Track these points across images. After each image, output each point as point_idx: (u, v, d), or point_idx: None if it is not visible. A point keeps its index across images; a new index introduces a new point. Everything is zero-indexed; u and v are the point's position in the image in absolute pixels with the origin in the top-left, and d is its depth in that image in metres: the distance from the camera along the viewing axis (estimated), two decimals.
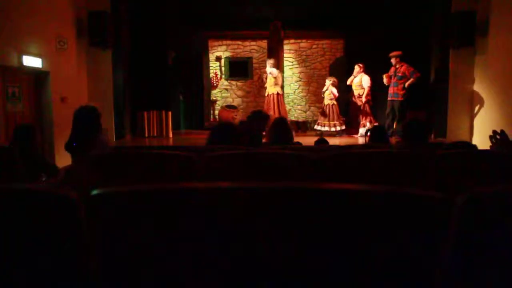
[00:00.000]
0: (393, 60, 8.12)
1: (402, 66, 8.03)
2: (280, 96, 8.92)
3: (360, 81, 8.73)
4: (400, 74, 8.04)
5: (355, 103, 8.87)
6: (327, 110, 8.92)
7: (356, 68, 8.82)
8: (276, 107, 8.81)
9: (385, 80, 8.24)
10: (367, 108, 8.70)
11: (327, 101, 9.00)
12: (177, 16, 9.45)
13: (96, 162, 2.26)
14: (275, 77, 8.79)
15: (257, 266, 0.88)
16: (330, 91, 8.94)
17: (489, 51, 7.05)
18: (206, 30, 10.49)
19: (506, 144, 2.56)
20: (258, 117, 4.77)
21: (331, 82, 9.01)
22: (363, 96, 8.63)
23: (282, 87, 9.50)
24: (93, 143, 3.61)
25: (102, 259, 0.92)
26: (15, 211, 0.97)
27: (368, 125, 8.57)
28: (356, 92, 8.84)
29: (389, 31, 8.93)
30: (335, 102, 9.02)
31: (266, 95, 9.05)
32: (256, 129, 4.56)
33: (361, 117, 8.73)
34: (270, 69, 8.83)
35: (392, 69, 8.18)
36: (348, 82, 9.02)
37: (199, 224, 0.87)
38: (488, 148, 3.50)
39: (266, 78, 9.05)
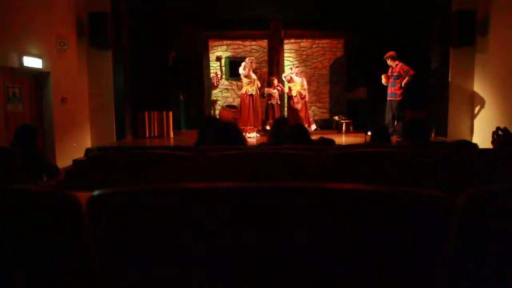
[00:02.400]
0: (388, 61, 8.15)
1: (397, 65, 8.03)
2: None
3: (302, 82, 8.91)
4: (396, 74, 8.04)
5: (297, 103, 8.87)
6: (271, 110, 8.98)
7: (299, 69, 9.11)
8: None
9: (383, 80, 8.27)
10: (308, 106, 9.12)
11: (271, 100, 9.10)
12: (178, 16, 9.44)
13: (97, 162, 2.26)
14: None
15: (258, 266, 0.88)
16: (276, 90, 9.06)
17: (489, 50, 7.04)
18: (207, 30, 10.49)
19: (509, 141, 2.55)
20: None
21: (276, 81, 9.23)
22: (306, 96, 8.98)
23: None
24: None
25: (103, 258, 0.92)
26: (17, 212, 0.97)
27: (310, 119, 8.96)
28: (297, 93, 8.96)
29: (389, 30, 8.93)
30: (278, 102, 9.12)
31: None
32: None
33: (309, 114, 8.99)
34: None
35: (390, 70, 8.20)
36: (288, 78, 9.04)
37: (199, 223, 0.87)
38: (488, 147, 3.50)
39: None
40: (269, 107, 9.03)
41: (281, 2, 9.59)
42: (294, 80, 8.79)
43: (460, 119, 7.66)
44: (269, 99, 9.03)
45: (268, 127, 8.59)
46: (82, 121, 7.39)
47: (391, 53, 8.06)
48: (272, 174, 2.06)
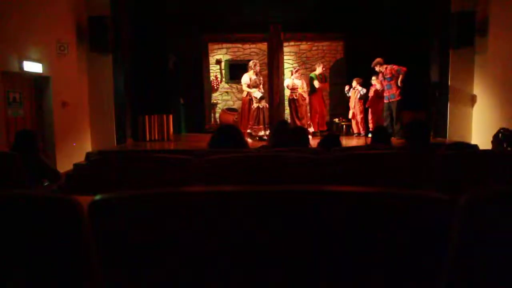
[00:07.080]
0: (377, 68, 8.27)
1: (386, 68, 8.20)
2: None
3: (302, 84, 9.05)
4: (388, 76, 8.19)
5: (300, 105, 8.97)
6: (259, 114, 8.68)
7: (299, 72, 9.21)
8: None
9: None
10: None
11: (256, 104, 8.92)
12: (177, 20, 9.46)
13: (98, 166, 2.26)
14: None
15: (260, 268, 0.88)
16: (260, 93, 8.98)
17: (488, 51, 7.05)
18: (206, 33, 10.51)
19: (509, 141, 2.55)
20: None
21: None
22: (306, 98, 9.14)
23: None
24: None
25: (104, 263, 0.92)
26: (18, 217, 0.97)
27: None
28: (299, 95, 9.02)
29: (389, 31, 8.94)
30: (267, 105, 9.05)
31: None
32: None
33: (308, 117, 9.17)
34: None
35: (381, 75, 8.33)
36: (291, 85, 9.07)
37: (200, 228, 0.87)
38: (488, 147, 3.50)
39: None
40: (259, 110, 8.91)
41: (281, 4, 9.61)
42: (296, 84, 8.80)
43: (459, 120, 7.67)
44: (259, 102, 8.94)
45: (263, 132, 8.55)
46: (82, 125, 7.40)
47: (378, 59, 8.34)
48: (272, 177, 2.06)
